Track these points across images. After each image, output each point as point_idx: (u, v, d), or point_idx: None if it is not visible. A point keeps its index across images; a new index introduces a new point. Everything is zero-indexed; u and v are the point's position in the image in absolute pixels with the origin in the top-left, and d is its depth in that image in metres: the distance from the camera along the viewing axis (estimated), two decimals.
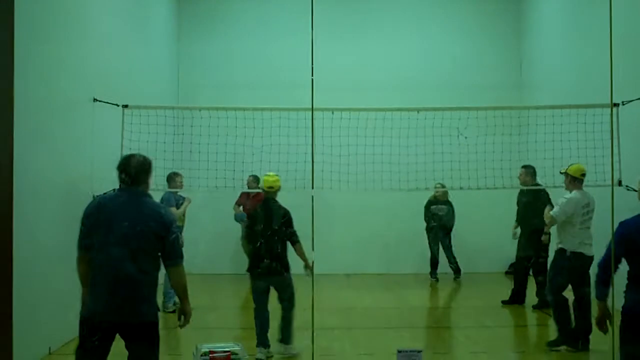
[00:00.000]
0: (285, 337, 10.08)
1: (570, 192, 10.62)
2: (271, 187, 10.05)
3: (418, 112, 13.45)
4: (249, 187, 15.53)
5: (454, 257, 16.78)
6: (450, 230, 16.78)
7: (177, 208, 12.99)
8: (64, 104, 10.72)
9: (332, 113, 12.68)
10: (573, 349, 10.07)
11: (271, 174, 10.25)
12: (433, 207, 16.72)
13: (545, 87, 17.23)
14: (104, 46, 12.64)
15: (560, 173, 10.96)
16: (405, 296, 15.50)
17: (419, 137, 13.76)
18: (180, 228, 13.10)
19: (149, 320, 6.22)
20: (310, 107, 8.19)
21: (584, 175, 10.64)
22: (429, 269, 16.88)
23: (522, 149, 15.13)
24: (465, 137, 14.07)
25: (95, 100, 11.87)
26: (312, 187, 9.64)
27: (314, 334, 8.96)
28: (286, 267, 9.94)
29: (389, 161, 13.75)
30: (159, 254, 6.24)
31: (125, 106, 12.57)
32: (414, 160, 13.61)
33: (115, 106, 12.38)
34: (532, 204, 13.06)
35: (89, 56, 11.84)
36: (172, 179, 13.11)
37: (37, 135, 9.51)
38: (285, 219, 9.92)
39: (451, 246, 16.77)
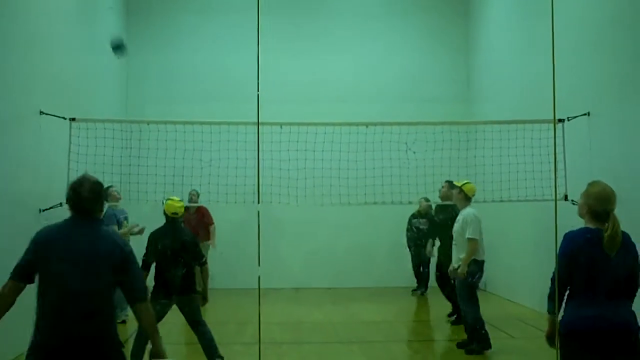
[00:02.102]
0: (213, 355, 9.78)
1: (461, 208, 11.28)
2: (175, 214, 9.90)
3: (367, 126, 13.49)
4: (190, 202, 15.46)
5: (428, 272, 16.74)
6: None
7: (119, 224, 12.92)
8: (9, 116, 10.55)
9: (281, 127, 12.69)
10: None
11: (176, 198, 10.05)
12: (415, 220, 16.70)
13: (493, 101, 17.37)
14: (51, 58, 12.49)
15: (455, 186, 11.24)
16: (354, 310, 15.48)
17: (367, 152, 13.77)
18: None
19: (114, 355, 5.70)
20: (257, 121, 8.17)
21: (473, 195, 11.34)
22: (376, 283, 16.90)
23: (469, 163, 15.24)
24: (414, 152, 14.12)
25: (41, 113, 11.72)
26: (258, 202, 9.60)
27: (261, 349, 8.93)
28: (193, 289, 9.81)
29: (337, 175, 13.76)
30: (116, 286, 5.70)
31: (73, 119, 12.44)
32: (363, 175, 13.63)
33: (62, 119, 12.24)
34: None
35: (35, 67, 11.67)
36: (108, 193, 12.91)
37: None
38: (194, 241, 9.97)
39: (429, 260, 16.74)
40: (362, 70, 19.00)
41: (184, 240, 9.81)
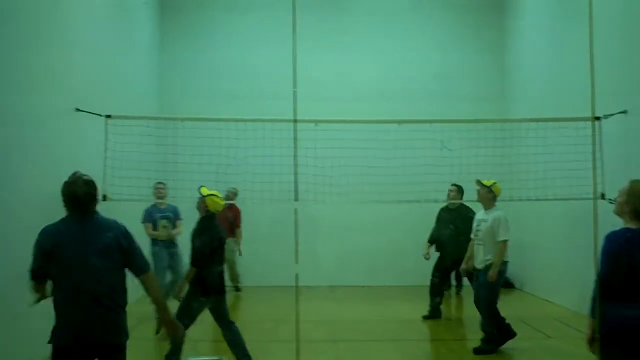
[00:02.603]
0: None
1: (487, 208, 11.23)
2: (217, 211, 9.99)
3: (399, 124, 13.43)
4: (227, 199, 15.54)
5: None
6: None
7: (154, 222, 13.17)
8: (46, 113, 10.62)
9: (315, 125, 12.64)
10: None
11: (216, 193, 10.11)
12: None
13: (528, 99, 17.27)
14: (87, 56, 12.58)
15: (485, 185, 11.18)
16: (389, 308, 15.46)
17: (401, 149, 13.71)
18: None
19: (123, 340, 6.32)
20: (292, 118, 8.15)
21: (498, 195, 11.32)
22: (412, 281, 16.82)
23: (504, 161, 15.13)
24: (449, 150, 14.04)
25: (77, 110, 11.80)
26: (296, 200, 9.56)
27: (299, 347, 8.91)
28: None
29: (372, 173, 13.71)
30: (125, 267, 6.25)
31: (108, 116, 12.50)
32: (397, 173, 13.57)
33: (98, 116, 12.31)
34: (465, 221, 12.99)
35: (72, 66, 11.77)
36: (154, 189, 13.19)
37: (19, 146, 9.42)
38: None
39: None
40: (397, 67, 18.96)
41: (221, 237, 9.83)
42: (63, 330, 6.01)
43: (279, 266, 12.96)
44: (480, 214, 11.44)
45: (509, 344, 11.15)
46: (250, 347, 9.61)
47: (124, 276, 6.26)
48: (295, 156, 8.26)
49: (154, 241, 13.49)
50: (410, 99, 18.07)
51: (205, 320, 12.48)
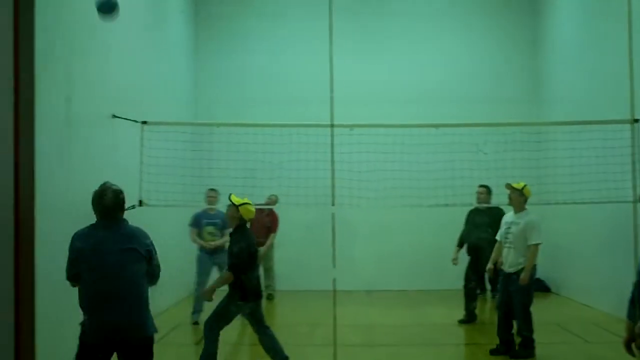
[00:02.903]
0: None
1: (518, 211, 11.14)
2: (252, 219, 10.02)
3: (437, 128, 13.38)
4: (268, 205, 15.65)
5: None
6: None
7: (200, 228, 13.56)
8: (83, 120, 10.70)
9: (350, 129, 12.62)
10: None
11: (248, 201, 10.09)
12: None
13: (563, 102, 17.14)
14: (123, 62, 12.67)
15: (515, 189, 11.13)
16: (426, 313, 15.41)
17: (438, 154, 13.67)
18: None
19: (149, 335, 6.82)
20: (329, 123, 8.16)
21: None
22: (449, 285, 16.77)
23: (540, 164, 15.02)
24: (485, 153, 13.96)
25: (114, 116, 11.89)
26: (333, 204, 9.58)
27: (336, 351, 8.94)
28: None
29: (408, 177, 13.67)
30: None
31: (144, 122, 12.57)
32: (433, 177, 13.52)
33: (134, 122, 12.39)
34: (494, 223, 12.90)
35: (108, 72, 11.85)
36: (206, 194, 13.77)
37: (58, 152, 9.51)
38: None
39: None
40: (431, 70, 18.90)
41: (255, 242, 9.89)
42: (92, 329, 6.59)
43: (316, 271, 12.99)
44: (509, 216, 11.36)
45: (544, 349, 11.07)
46: (286, 351, 9.62)
47: (144, 279, 6.82)
48: (332, 161, 8.28)
49: (200, 246, 13.72)
50: (445, 102, 18.00)
51: (244, 324, 12.55)
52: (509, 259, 10.97)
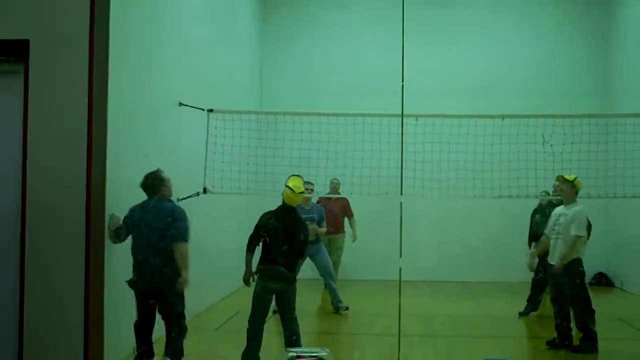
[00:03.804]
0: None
1: (568, 204, 11.01)
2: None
3: (503, 119, 13.29)
4: (332, 191, 15.53)
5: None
6: None
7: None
8: (152, 108, 10.85)
9: (416, 119, 12.60)
10: None
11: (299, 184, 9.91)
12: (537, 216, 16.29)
13: (634, 94, 16.87)
14: (190, 51, 12.80)
15: (567, 181, 10.94)
16: (489, 305, 15.34)
17: (504, 145, 13.56)
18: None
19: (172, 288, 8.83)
20: (399, 113, 8.16)
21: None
22: (511, 278, 16.68)
23: (609, 157, 14.84)
24: (551, 145, 13.80)
25: (181, 104, 12.02)
26: (401, 193, 9.58)
27: (394, 341, 8.95)
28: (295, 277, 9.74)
29: (473, 168, 13.62)
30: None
31: (211, 110, 12.69)
32: (499, 168, 13.44)
33: (201, 110, 12.51)
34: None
35: (175, 61, 11.99)
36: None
37: (127, 139, 9.64)
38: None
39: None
40: (498, 61, 18.78)
41: (293, 229, 9.83)
42: (135, 280, 8.93)
43: (380, 260, 12.97)
44: (560, 208, 11.24)
45: (606, 344, 10.96)
46: (347, 339, 9.69)
47: (169, 244, 8.76)
48: (402, 150, 8.29)
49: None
50: (512, 93, 17.86)
51: (310, 311, 12.61)
52: (556, 250, 10.87)
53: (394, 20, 8.57)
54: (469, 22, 19.02)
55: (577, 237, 10.71)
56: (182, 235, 8.86)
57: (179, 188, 10.87)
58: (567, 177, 11.00)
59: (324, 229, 13.46)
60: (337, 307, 13.54)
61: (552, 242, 11.04)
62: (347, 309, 13.43)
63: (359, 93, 17.42)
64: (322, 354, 7.48)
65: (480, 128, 13.52)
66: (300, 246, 9.69)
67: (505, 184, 13.23)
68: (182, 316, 9.07)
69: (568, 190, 10.95)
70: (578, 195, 11.06)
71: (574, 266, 10.71)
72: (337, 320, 13.09)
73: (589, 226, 12.97)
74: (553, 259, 10.92)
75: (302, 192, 9.80)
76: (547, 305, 14.70)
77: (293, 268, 9.60)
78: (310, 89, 18.29)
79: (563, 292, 10.85)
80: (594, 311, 10.85)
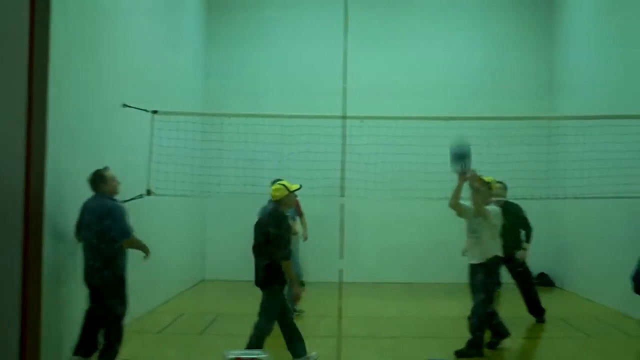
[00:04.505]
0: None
1: (487, 204, 10.92)
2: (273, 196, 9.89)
3: (447, 121, 13.37)
4: None
5: None
6: None
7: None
8: (94, 109, 10.75)
9: (361, 121, 12.63)
10: None
11: (279, 183, 10.03)
12: None
13: (578, 96, 17.09)
14: (134, 52, 12.71)
15: (498, 182, 11.04)
16: (433, 306, 15.44)
17: (448, 147, 13.62)
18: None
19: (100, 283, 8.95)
20: (341, 115, 8.18)
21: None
22: (454, 279, 16.76)
23: (550, 159, 15.02)
24: (495, 147, 13.92)
25: (125, 106, 11.92)
26: (342, 195, 9.60)
27: (338, 343, 8.96)
28: (275, 279, 9.66)
29: (417, 170, 13.67)
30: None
31: (155, 112, 12.59)
32: (443, 170, 13.50)
33: (145, 112, 12.42)
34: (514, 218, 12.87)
35: (120, 62, 11.91)
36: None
37: (69, 141, 9.54)
38: (279, 230, 9.66)
39: None
40: (443, 63, 18.89)
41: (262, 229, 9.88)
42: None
43: (323, 261, 12.95)
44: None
45: (547, 343, 11.08)
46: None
47: (108, 245, 8.90)
48: (343, 152, 8.30)
49: None
50: (457, 95, 17.99)
51: (249, 314, 12.56)
52: (473, 250, 10.92)
53: (340, 22, 8.58)
54: (415, 25, 19.11)
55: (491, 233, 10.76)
56: (124, 232, 9.01)
57: (123, 190, 10.75)
58: (484, 178, 11.03)
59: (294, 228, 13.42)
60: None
61: (468, 242, 11.07)
62: (300, 312, 13.40)
63: (305, 94, 17.41)
64: (261, 356, 7.49)
65: (425, 130, 13.55)
66: None
67: (449, 185, 13.26)
68: (120, 319, 9.07)
69: (485, 191, 10.98)
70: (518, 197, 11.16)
71: (483, 265, 10.77)
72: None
73: (530, 228, 13.16)
74: (471, 259, 10.96)
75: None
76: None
77: None
78: (255, 90, 18.26)
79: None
80: (490, 316, 10.94)
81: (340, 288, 8.50)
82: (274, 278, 9.63)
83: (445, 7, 19.29)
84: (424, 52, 18.95)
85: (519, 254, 12.82)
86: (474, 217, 10.86)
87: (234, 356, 7.64)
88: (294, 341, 9.68)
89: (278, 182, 10.03)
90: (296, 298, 9.70)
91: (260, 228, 9.82)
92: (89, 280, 8.97)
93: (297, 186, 9.95)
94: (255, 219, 13.87)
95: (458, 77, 18.59)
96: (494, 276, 10.92)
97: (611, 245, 14.40)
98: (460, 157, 10.54)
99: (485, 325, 10.83)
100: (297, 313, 13.31)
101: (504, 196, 13.42)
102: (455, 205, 10.80)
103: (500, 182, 13.45)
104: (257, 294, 14.94)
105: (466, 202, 10.94)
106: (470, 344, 10.67)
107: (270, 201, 13.20)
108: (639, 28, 12.82)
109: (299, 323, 12.04)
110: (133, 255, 9.46)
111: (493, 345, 11.05)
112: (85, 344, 9.05)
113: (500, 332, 11.10)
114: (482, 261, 10.72)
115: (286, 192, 9.79)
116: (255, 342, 9.45)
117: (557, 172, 14.30)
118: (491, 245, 10.76)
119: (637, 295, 9.84)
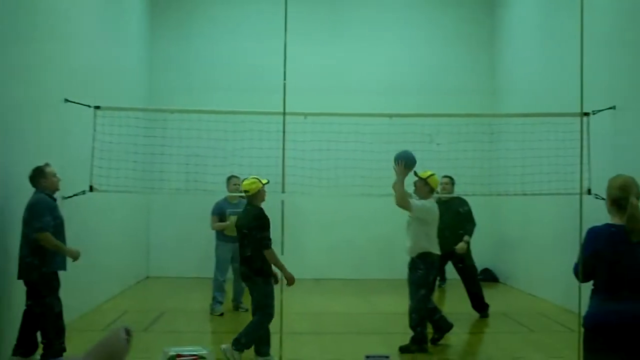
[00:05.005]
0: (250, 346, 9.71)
1: (424, 198, 10.90)
2: (246, 191, 9.86)
3: (391, 117, 13.41)
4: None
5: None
6: None
7: (222, 215, 13.23)
8: (36, 104, 10.60)
9: (305, 117, 12.63)
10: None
11: (250, 177, 9.98)
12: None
13: (519, 94, 17.29)
14: (76, 47, 12.56)
15: (420, 178, 10.99)
16: (375, 302, 15.50)
17: (391, 143, 13.66)
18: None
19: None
20: (281, 111, 8.17)
21: (436, 187, 11.20)
22: (400, 275, 16.87)
23: (493, 156, 15.17)
24: (438, 144, 14.01)
25: (66, 101, 11.78)
26: (283, 191, 9.58)
27: (282, 339, 8.95)
28: (258, 272, 9.57)
29: (360, 166, 13.69)
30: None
31: (97, 107, 12.46)
32: (386, 166, 13.54)
33: (87, 107, 12.28)
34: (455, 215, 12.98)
35: (61, 57, 11.76)
36: (228, 182, 13.34)
37: (8, 136, 9.42)
38: (257, 223, 9.63)
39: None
40: (387, 61, 18.94)
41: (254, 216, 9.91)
42: None
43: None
44: None
45: (490, 338, 11.19)
46: (232, 338, 9.58)
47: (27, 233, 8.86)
48: (283, 148, 8.30)
49: (219, 235, 13.44)
50: (401, 92, 18.07)
51: (189, 310, 12.52)
52: (407, 244, 10.96)
53: (283, 18, 8.56)
54: (360, 23, 19.15)
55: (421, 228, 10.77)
56: (36, 227, 8.78)
57: (65, 186, 10.65)
58: (421, 173, 11.07)
59: None
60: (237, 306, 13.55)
61: (406, 236, 11.10)
62: (247, 310, 13.34)
63: (251, 91, 17.35)
64: (203, 352, 7.47)
65: (369, 127, 13.60)
66: None
67: (392, 182, 13.29)
68: (57, 316, 9.01)
69: (421, 186, 10.99)
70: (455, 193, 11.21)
71: (418, 260, 10.83)
72: (227, 319, 13.03)
73: (473, 224, 13.26)
74: (408, 253, 10.98)
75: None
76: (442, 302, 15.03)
77: None
78: (200, 87, 18.14)
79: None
80: (432, 311, 11.07)
81: (281, 284, 8.45)
82: (258, 271, 9.57)
83: (389, 4, 19.34)
84: (369, 50, 18.98)
85: (458, 247, 12.85)
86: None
87: (174, 353, 7.61)
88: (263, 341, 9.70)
89: (251, 177, 9.99)
90: (290, 282, 9.63)
91: (242, 226, 9.83)
92: (22, 276, 8.84)
93: (266, 180, 9.94)
94: (199, 216, 13.97)
95: (402, 74, 18.66)
96: (431, 271, 10.90)
97: (552, 241, 14.58)
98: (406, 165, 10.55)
99: (426, 320, 10.88)
100: (243, 309, 13.31)
101: (451, 191, 13.51)
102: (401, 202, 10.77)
103: (449, 177, 13.53)
104: (202, 290, 15.04)
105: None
106: (413, 340, 10.73)
107: (225, 198, 13.29)
108: (575, 28, 12.98)
109: (241, 319, 12.07)
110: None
111: (435, 340, 11.12)
112: (24, 344, 8.94)
113: (442, 328, 11.17)
114: (412, 255, 10.79)
115: (260, 185, 9.82)
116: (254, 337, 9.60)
117: (499, 169, 14.45)
118: (420, 239, 10.74)
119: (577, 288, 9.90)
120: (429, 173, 11.00)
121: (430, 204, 10.87)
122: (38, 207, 8.92)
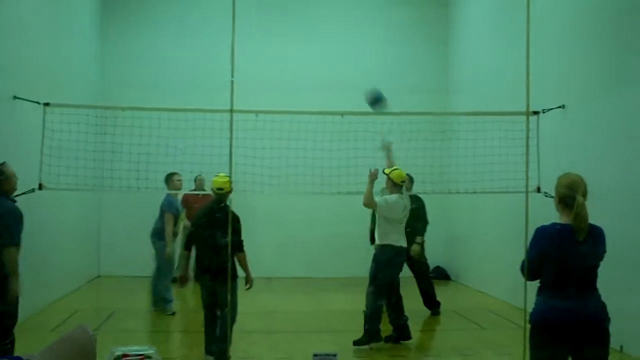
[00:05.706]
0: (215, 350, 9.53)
1: (391, 193, 11.10)
2: (220, 189, 9.59)
3: (342, 116, 13.41)
4: (198, 188, 15.57)
5: None
6: None
7: (177, 212, 13.29)
8: None
9: (256, 115, 12.61)
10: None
11: (221, 174, 9.65)
12: None
13: (471, 93, 17.40)
14: (24, 43, 12.42)
15: (384, 173, 11.15)
16: (326, 300, 15.53)
17: (342, 142, 13.70)
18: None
19: None
20: (229, 109, 8.14)
21: (403, 182, 11.21)
22: (349, 273, 16.92)
23: (444, 154, 15.23)
24: (391, 143, 14.03)
25: (15, 97, 11.65)
26: (231, 190, 9.55)
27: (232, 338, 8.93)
28: (231, 273, 9.27)
29: (311, 164, 13.68)
30: None
31: (47, 104, 12.33)
32: (337, 165, 13.58)
33: (37, 104, 12.15)
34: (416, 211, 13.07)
35: (8, 53, 11.62)
36: (170, 180, 13.29)
37: None
38: (236, 225, 9.39)
39: None
40: (339, 59, 18.97)
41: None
42: None
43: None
44: None
45: (441, 335, 11.26)
46: (184, 337, 9.58)
47: None
48: (231, 146, 8.28)
49: (162, 234, 13.26)
50: (352, 90, 18.01)
51: (138, 310, 12.43)
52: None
53: (237, 15, 8.52)
54: (310, 20, 19.18)
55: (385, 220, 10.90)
56: (6, 239, 8.05)
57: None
58: (385, 170, 11.17)
59: None
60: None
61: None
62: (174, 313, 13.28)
63: (202, 88, 17.21)
64: (149, 351, 7.42)
65: (320, 125, 13.59)
66: None
67: (344, 180, 13.34)
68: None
69: (387, 181, 11.16)
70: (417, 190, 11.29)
71: (376, 251, 10.99)
72: (174, 318, 12.98)
73: (425, 222, 13.34)
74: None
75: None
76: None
77: None
78: (151, 84, 18.00)
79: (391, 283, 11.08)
80: (380, 307, 11.07)
81: (228, 283, 8.43)
82: (231, 271, 9.29)
83: (343, 2, 19.38)
84: (321, 47, 19.01)
85: (412, 250, 12.84)
86: None
87: (120, 352, 7.55)
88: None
89: (222, 174, 9.69)
90: (251, 285, 9.60)
91: (211, 225, 9.58)
92: None
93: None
94: (150, 214, 13.86)
95: (355, 72, 18.61)
96: (390, 267, 10.95)
97: (501, 239, 14.69)
98: (377, 100, 10.78)
99: (380, 314, 10.94)
100: (170, 313, 13.20)
101: (409, 189, 13.54)
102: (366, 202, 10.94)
103: (407, 175, 13.56)
104: (145, 289, 14.94)
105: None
106: (366, 332, 10.84)
107: (171, 195, 13.20)
108: (523, 28, 13.06)
109: (192, 318, 12.02)
110: (22, 251, 9.24)
111: (390, 339, 11.16)
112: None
113: (401, 335, 11.22)
114: (375, 250, 10.94)
115: (230, 183, 9.59)
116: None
117: (451, 167, 14.53)
118: (381, 232, 10.94)
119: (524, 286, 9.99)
120: (393, 168, 11.11)
121: (393, 200, 11.00)
122: (10, 216, 8.28)
